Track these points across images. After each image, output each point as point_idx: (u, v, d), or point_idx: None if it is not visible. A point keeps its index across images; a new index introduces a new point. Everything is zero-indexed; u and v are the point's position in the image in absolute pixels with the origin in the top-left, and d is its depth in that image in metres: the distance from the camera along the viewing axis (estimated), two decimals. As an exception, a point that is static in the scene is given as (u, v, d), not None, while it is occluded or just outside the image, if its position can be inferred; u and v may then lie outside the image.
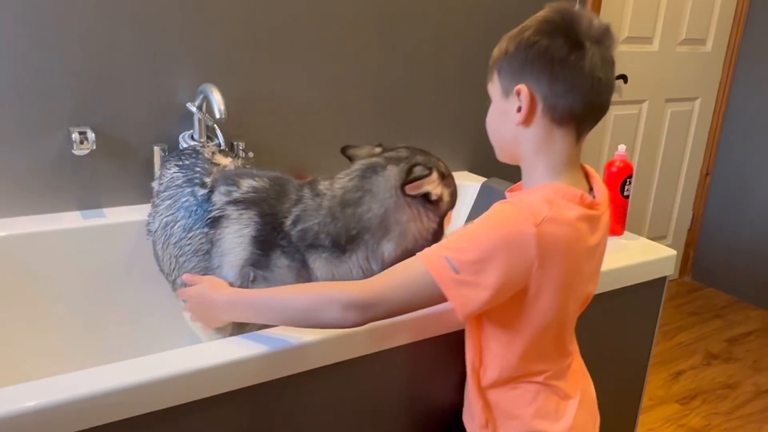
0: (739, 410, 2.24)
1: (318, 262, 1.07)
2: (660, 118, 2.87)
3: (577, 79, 0.90)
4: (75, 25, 1.41)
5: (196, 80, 1.54)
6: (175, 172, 1.25)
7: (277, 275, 1.07)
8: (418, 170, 1.04)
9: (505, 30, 0.98)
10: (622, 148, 1.55)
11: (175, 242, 1.19)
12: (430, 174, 1.04)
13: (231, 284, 1.11)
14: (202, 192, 1.18)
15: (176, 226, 1.19)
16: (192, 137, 1.54)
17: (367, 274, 1.05)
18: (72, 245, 1.44)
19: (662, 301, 1.52)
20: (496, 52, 0.96)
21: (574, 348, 1.08)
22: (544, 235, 0.87)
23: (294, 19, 1.67)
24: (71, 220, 1.46)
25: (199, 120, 1.52)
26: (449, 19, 1.94)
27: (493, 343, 1.00)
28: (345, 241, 1.06)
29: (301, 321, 0.97)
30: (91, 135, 1.41)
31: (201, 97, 1.50)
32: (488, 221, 0.90)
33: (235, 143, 1.61)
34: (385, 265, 1.03)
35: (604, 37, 0.91)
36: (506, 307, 0.93)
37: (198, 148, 1.31)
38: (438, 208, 1.09)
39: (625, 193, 1.55)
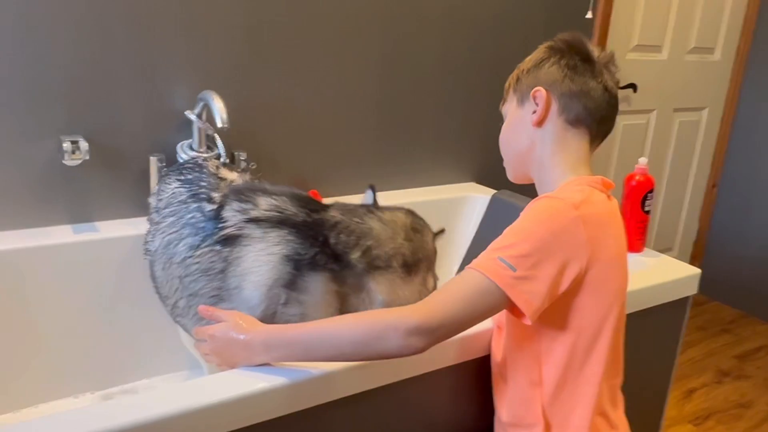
0: (755, 431, 2.17)
1: (383, 285, 1.08)
2: (668, 127, 2.82)
3: (589, 84, 0.98)
4: (67, 28, 1.33)
5: (195, 87, 1.47)
6: (177, 187, 1.18)
7: (317, 298, 1.03)
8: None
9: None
10: (643, 161, 1.48)
11: (180, 261, 1.10)
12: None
13: (253, 308, 1.03)
14: (209, 208, 1.11)
15: (181, 245, 1.11)
16: (191, 147, 1.46)
17: (423, 296, 1.00)
18: (62, 261, 1.36)
19: (685, 321, 1.46)
20: (511, 77, 1.06)
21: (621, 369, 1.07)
22: (586, 216, 0.90)
23: (297, 25, 1.61)
24: (61, 234, 1.39)
25: (199, 129, 1.44)
26: (454, 29, 1.88)
27: (555, 350, 0.96)
28: (412, 264, 1.13)
29: (358, 354, 0.90)
30: (83, 144, 1.34)
31: (201, 104, 1.42)
32: (530, 216, 0.92)
33: (235, 153, 1.54)
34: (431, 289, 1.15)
35: (611, 63, 1.02)
36: (567, 302, 0.93)
37: (200, 161, 1.24)
38: None
39: (646, 209, 1.48)
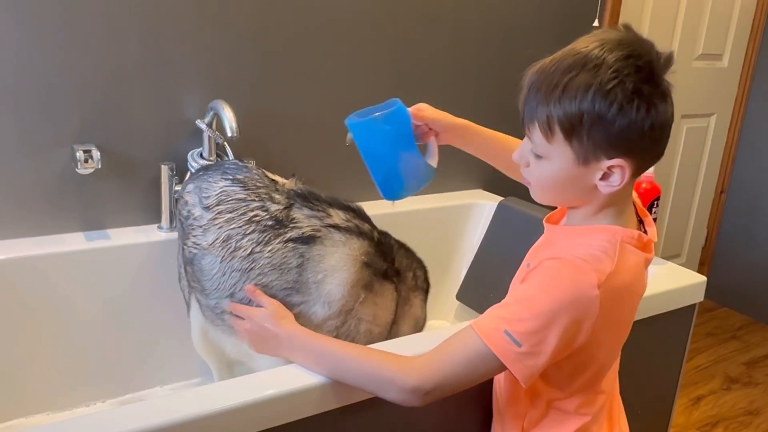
0: (763, 438, 2.17)
1: (417, 303, 1.29)
2: (676, 134, 2.81)
3: (665, 135, 0.84)
4: (81, 39, 1.35)
5: (206, 96, 1.49)
6: (227, 186, 1.20)
7: (386, 303, 1.20)
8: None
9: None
10: (649, 169, 1.48)
11: (247, 255, 1.14)
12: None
13: (332, 302, 1.13)
14: (276, 207, 1.17)
15: (245, 240, 1.14)
16: (201, 155, 1.48)
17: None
18: (75, 268, 1.38)
19: (691, 329, 1.46)
20: (557, 110, 0.80)
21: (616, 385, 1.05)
22: (606, 292, 0.82)
23: (306, 35, 1.62)
24: (74, 241, 1.41)
25: (209, 138, 1.46)
26: (463, 37, 1.89)
27: (546, 390, 0.95)
28: (426, 289, 1.33)
29: (358, 388, 0.94)
30: (96, 153, 1.36)
31: (211, 113, 1.44)
32: (546, 286, 0.84)
33: (245, 161, 1.55)
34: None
35: (669, 64, 0.83)
36: (564, 359, 0.89)
37: (244, 162, 1.30)
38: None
39: (653, 216, 1.48)
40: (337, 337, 1.14)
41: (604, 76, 0.78)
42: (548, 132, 0.82)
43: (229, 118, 1.35)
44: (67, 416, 1.38)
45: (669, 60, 0.82)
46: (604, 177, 0.83)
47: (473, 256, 1.77)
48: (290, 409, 0.92)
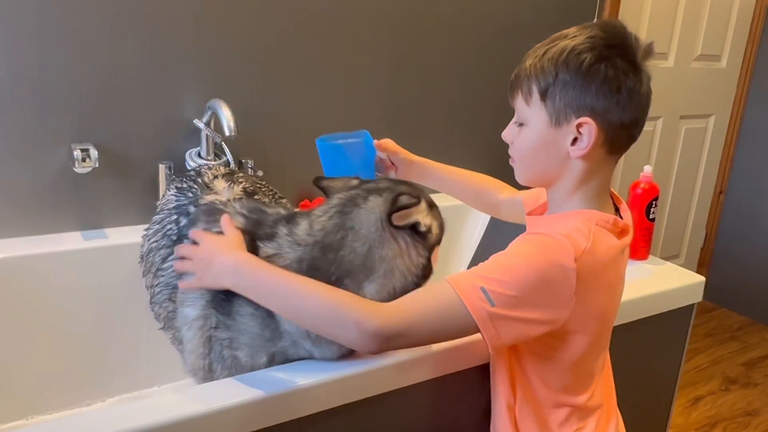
0: (762, 439, 2.17)
1: None
2: (674, 135, 2.82)
3: (641, 108, 0.87)
4: (79, 38, 1.35)
5: (204, 95, 1.49)
6: (172, 194, 1.15)
7: (239, 323, 0.95)
8: (404, 199, 0.92)
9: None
10: (647, 169, 1.49)
11: (155, 271, 1.10)
12: (418, 203, 0.93)
13: (190, 323, 0.99)
14: (184, 222, 1.08)
15: (157, 255, 1.10)
16: (199, 155, 1.48)
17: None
18: (72, 268, 1.37)
19: (690, 329, 1.46)
20: (536, 72, 0.88)
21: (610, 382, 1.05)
22: (582, 269, 0.83)
23: (304, 34, 1.62)
24: (72, 241, 1.40)
25: (207, 137, 1.46)
26: (463, 37, 1.89)
27: (530, 376, 0.95)
28: None
29: (314, 328, 0.88)
30: (93, 152, 1.35)
31: (209, 113, 1.44)
32: (526, 254, 0.86)
33: (243, 161, 1.55)
34: None
35: (650, 54, 0.88)
36: (542, 341, 0.89)
37: (202, 170, 1.20)
38: (426, 241, 0.96)
39: (651, 216, 1.48)
40: (210, 365, 1.00)
41: (579, 42, 0.86)
42: (528, 95, 0.89)
43: (227, 117, 1.34)
44: (65, 416, 1.38)
45: (648, 49, 0.87)
46: (575, 142, 0.87)
47: (472, 256, 1.77)
48: (288, 407, 0.91)
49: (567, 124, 0.87)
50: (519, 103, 0.92)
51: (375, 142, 1.13)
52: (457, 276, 0.85)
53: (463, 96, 1.95)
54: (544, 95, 0.87)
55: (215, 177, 1.16)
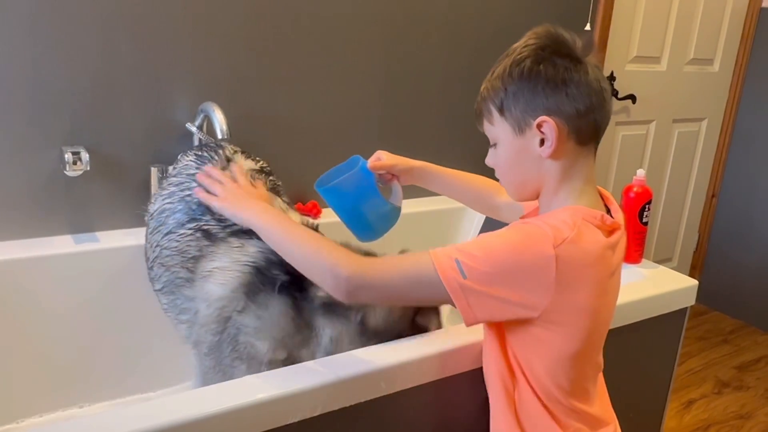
0: (754, 442, 2.17)
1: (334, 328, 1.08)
2: (667, 138, 2.82)
3: (591, 95, 0.90)
4: (71, 41, 1.34)
5: (196, 98, 1.48)
6: (191, 160, 1.19)
7: (273, 318, 1.05)
8: None
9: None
10: (641, 172, 1.49)
11: (166, 233, 1.14)
12: None
13: (211, 302, 1.08)
14: None
15: (171, 217, 1.14)
16: (191, 158, 1.47)
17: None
18: (63, 271, 1.37)
19: (683, 333, 1.46)
20: (489, 92, 0.96)
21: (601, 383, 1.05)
22: (563, 257, 0.84)
23: (298, 38, 1.62)
24: (62, 244, 1.40)
25: (200, 140, 1.45)
26: (456, 42, 1.89)
27: (531, 359, 0.94)
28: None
29: (298, 267, 0.97)
30: (84, 155, 1.35)
31: (202, 116, 1.43)
32: (506, 237, 0.88)
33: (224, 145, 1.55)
34: None
35: (590, 48, 0.92)
36: (529, 331, 0.90)
37: (223, 143, 1.25)
38: None
39: (644, 220, 1.49)
40: (219, 342, 1.08)
41: (517, 54, 0.92)
42: (489, 116, 0.96)
43: (219, 120, 1.34)
44: (58, 419, 1.37)
45: (588, 43, 0.92)
46: (543, 143, 0.90)
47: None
48: (289, 410, 0.91)
49: (529, 128, 0.91)
50: (486, 126, 0.98)
51: (369, 163, 1.13)
52: (437, 248, 0.89)
53: (458, 100, 1.95)
54: (501, 110, 0.93)
55: (235, 152, 1.23)
